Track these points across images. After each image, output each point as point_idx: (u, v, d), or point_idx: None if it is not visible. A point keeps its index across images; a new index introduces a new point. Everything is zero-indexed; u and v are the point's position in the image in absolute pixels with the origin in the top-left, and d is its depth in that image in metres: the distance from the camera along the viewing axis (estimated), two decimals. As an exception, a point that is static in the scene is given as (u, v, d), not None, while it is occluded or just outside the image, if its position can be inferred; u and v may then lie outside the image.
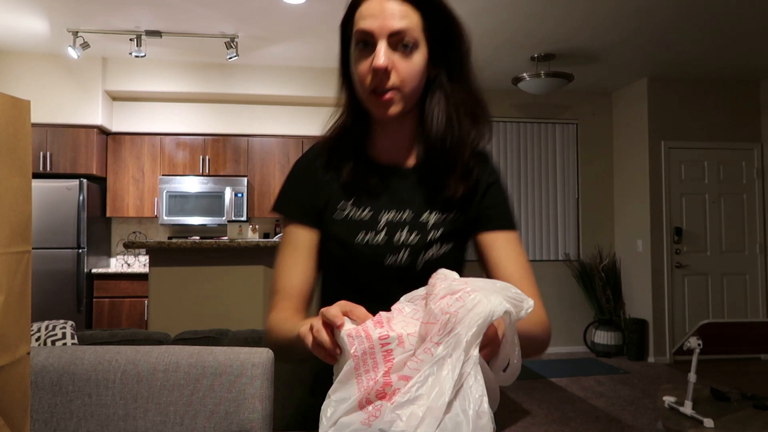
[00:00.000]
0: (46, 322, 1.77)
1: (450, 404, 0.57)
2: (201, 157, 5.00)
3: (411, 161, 0.99)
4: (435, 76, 0.94)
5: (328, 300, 0.98)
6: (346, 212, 0.97)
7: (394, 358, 0.62)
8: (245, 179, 4.95)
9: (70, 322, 1.81)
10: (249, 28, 4.07)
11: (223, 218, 4.88)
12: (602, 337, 5.34)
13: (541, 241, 5.66)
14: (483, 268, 1.00)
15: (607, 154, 5.80)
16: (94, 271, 4.58)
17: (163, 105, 4.97)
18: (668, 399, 2.58)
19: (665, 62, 4.82)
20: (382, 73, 0.86)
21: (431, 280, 0.67)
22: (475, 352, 0.58)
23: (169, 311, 2.98)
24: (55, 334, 1.72)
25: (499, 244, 0.98)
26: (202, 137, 5.02)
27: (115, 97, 4.89)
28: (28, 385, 0.61)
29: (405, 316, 0.66)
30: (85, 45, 4.07)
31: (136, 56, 4.22)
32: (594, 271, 5.51)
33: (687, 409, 2.40)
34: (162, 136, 4.96)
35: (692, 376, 2.43)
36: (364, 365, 0.63)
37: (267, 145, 5.09)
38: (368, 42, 0.88)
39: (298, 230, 0.98)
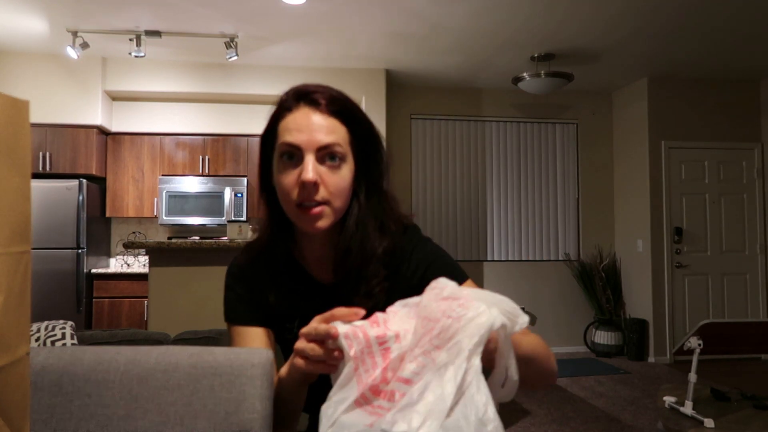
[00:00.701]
0: (46, 323, 1.77)
1: (452, 410, 0.57)
2: (201, 157, 5.00)
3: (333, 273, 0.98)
4: (356, 189, 0.92)
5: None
6: (294, 332, 0.95)
7: (392, 354, 0.62)
8: (245, 179, 4.95)
9: (69, 323, 1.80)
10: (249, 28, 4.07)
11: (223, 218, 4.88)
12: (602, 337, 5.34)
13: (541, 241, 5.66)
14: None
15: (607, 154, 5.80)
16: (93, 271, 4.58)
17: (163, 105, 4.97)
18: (668, 399, 2.58)
19: (665, 62, 4.82)
20: (311, 187, 0.85)
21: (432, 284, 0.67)
22: (476, 361, 0.59)
23: (169, 311, 2.97)
24: (55, 335, 1.72)
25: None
26: (202, 137, 5.02)
27: (115, 97, 4.89)
28: (27, 386, 0.61)
29: (401, 316, 0.66)
30: (85, 45, 4.07)
31: (136, 56, 4.21)
32: (594, 271, 5.51)
33: (687, 409, 2.40)
34: (162, 136, 4.96)
35: (692, 376, 2.43)
36: (363, 365, 0.63)
37: (267, 145, 5.09)
38: (294, 155, 0.86)
39: (254, 330, 0.96)
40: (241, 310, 0.97)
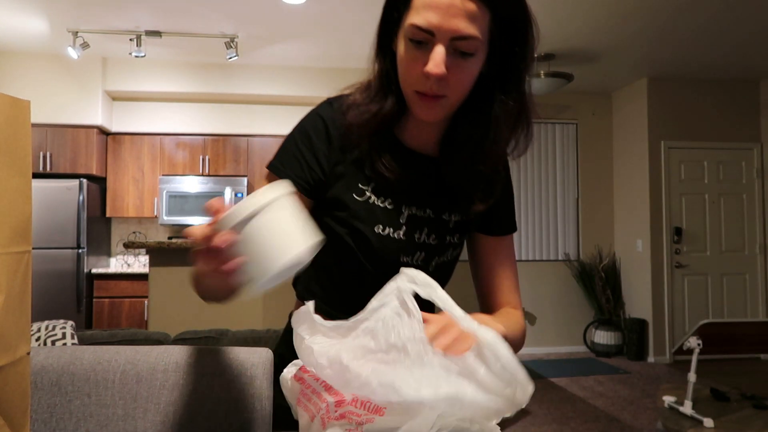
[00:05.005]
0: (46, 322, 1.77)
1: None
2: (201, 157, 5.00)
3: (436, 149, 0.90)
4: (487, 75, 0.82)
5: (320, 280, 0.92)
6: (367, 196, 0.88)
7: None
8: (245, 179, 4.95)
9: (70, 322, 1.81)
10: (249, 28, 4.07)
11: (223, 218, 4.87)
12: (602, 337, 5.34)
13: (541, 241, 5.66)
14: (473, 263, 0.99)
15: (607, 154, 5.80)
16: (94, 271, 4.58)
17: (163, 105, 4.97)
18: (668, 399, 2.58)
19: (665, 62, 4.82)
20: (435, 80, 0.76)
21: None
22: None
23: (169, 311, 2.97)
24: (55, 334, 1.72)
25: (499, 250, 0.97)
26: (202, 137, 5.02)
27: (115, 97, 4.89)
28: (28, 385, 0.61)
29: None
30: (85, 45, 4.07)
31: (136, 56, 4.22)
32: (594, 271, 5.51)
33: (687, 408, 2.40)
34: (162, 136, 4.96)
35: (692, 376, 2.43)
36: (309, 401, 0.65)
37: (267, 145, 5.09)
38: (424, 39, 0.75)
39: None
40: (291, 163, 0.87)
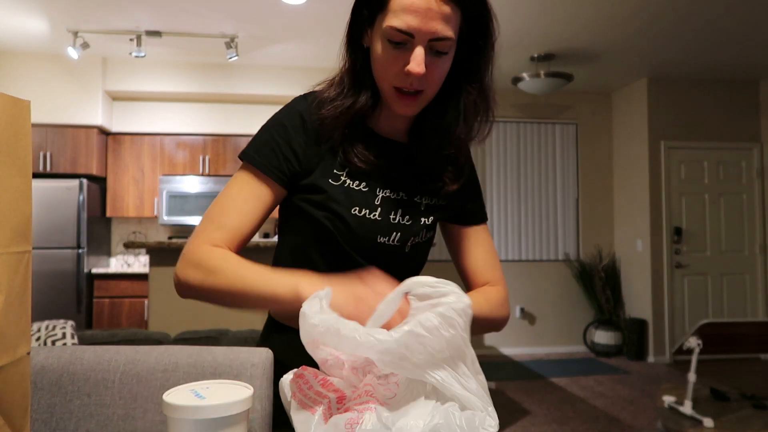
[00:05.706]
0: (46, 322, 1.77)
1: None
2: (201, 157, 5.00)
3: (407, 136, 0.97)
4: (456, 69, 0.89)
5: (299, 266, 0.92)
6: (342, 180, 0.92)
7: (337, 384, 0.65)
8: (245, 179, 4.94)
9: (70, 322, 1.81)
10: (249, 28, 4.07)
11: (223, 218, 4.87)
12: (602, 337, 5.34)
13: (541, 241, 5.66)
14: (453, 254, 1.04)
15: (606, 155, 5.80)
16: (94, 271, 4.58)
17: (163, 105, 4.97)
18: (668, 399, 2.58)
19: (665, 62, 4.82)
20: (415, 78, 0.82)
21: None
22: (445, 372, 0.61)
23: (169, 311, 2.97)
24: (55, 334, 1.72)
25: (473, 236, 1.01)
26: (202, 137, 5.02)
27: (115, 97, 4.89)
28: (28, 385, 0.61)
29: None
30: (85, 45, 4.07)
31: (136, 56, 4.21)
32: (594, 271, 5.52)
33: (687, 408, 2.41)
34: (162, 136, 4.96)
35: (692, 376, 2.43)
36: (308, 399, 0.67)
37: (267, 145, 5.09)
38: (403, 40, 0.81)
39: (263, 182, 0.90)
40: (271, 155, 0.90)
